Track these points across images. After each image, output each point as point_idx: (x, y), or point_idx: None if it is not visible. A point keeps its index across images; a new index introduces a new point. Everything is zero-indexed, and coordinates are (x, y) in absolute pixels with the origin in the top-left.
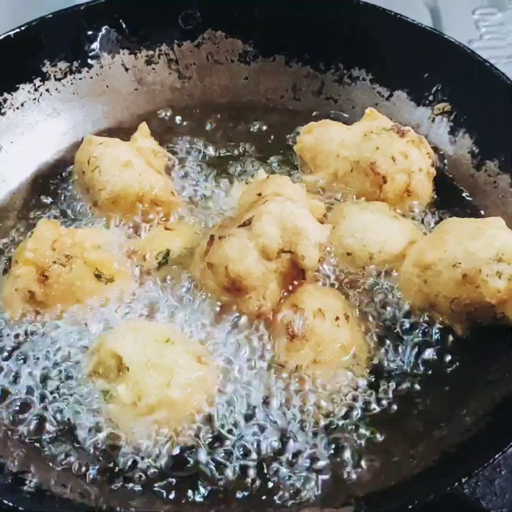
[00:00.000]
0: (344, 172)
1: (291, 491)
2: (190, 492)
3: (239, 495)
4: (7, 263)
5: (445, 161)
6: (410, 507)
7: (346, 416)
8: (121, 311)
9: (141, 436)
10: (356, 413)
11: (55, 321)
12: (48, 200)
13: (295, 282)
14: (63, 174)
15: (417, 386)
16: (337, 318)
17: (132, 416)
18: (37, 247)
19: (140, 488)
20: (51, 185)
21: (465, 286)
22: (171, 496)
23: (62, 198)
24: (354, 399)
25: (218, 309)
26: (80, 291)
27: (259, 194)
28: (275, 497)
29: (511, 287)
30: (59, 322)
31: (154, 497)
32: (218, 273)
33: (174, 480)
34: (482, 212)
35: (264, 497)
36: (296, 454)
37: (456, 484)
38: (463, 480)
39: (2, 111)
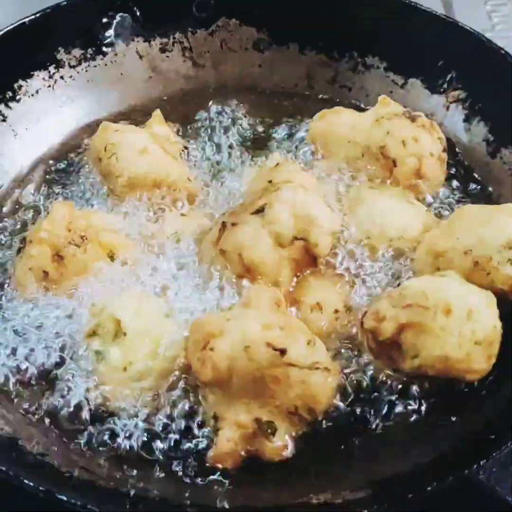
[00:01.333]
0: (355, 157)
1: None
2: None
3: None
4: (22, 244)
5: (460, 148)
6: (428, 488)
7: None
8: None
9: (126, 399)
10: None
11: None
12: (63, 186)
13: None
14: (78, 160)
15: None
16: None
17: (120, 380)
18: (52, 227)
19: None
20: (66, 171)
21: (476, 273)
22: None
23: (77, 184)
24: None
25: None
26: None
27: (270, 181)
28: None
29: None
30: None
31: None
32: (231, 260)
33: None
34: (497, 200)
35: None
36: None
37: (474, 466)
38: (482, 462)
39: (17, 98)
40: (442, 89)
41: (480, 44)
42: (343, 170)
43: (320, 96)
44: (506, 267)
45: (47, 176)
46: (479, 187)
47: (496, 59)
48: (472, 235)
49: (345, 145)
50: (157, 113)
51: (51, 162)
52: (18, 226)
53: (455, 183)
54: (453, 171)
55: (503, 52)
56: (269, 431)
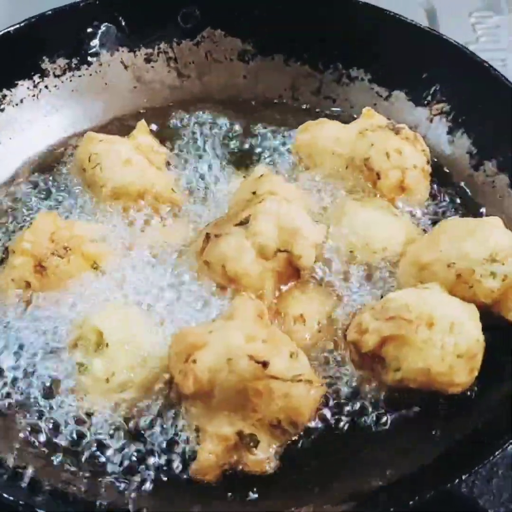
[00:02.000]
0: (339, 168)
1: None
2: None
3: None
4: (4, 254)
5: (443, 161)
6: (411, 502)
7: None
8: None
9: (109, 410)
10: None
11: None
12: (46, 195)
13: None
14: (62, 170)
15: None
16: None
17: (102, 391)
18: (35, 238)
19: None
20: (50, 181)
21: (459, 286)
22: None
23: (61, 194)
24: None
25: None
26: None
27: (254, 193)
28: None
29: (505, 286)
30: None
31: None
32: (215, 271)
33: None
34: (481, 212)
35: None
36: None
37: (456, 480)
38: (463, 477)
39: (1, 107)
40: (426, 102)
41: (464, 57)
42: (327, 182)
43: (305, 106)
44: (489, 280)
45: (31, 186)
46: (462, 199)
47: (480, 72)
48: (455, 248)
49: (329, 157)
50: (142, 123)
51: (34, 171)
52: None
53: (438, 195)
54: (436, 183)
55: (487, 65)
56: (251, 443)
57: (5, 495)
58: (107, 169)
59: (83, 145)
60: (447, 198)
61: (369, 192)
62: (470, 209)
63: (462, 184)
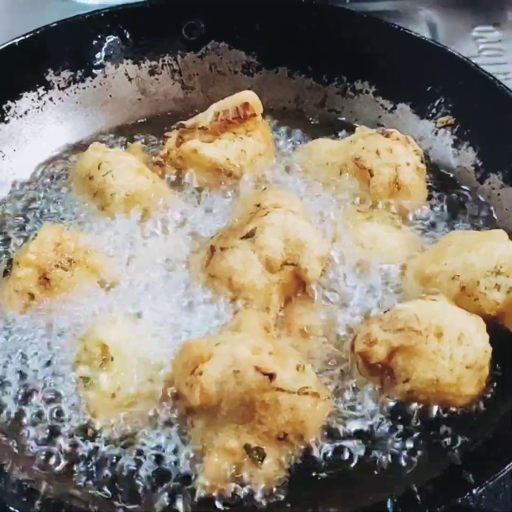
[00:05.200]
0: (335, 176)
1: None
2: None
3: None
4: (8, 265)
5: (449, 173)
6: None
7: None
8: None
9: (116, 426)
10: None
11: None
12: (50, 206)
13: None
14: (66, 181)
15: None
16: None
17: (110, 406)
18: (40, 250)
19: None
20: (54, 192)
21: (464, 298)
22: None
23: (65, 204)
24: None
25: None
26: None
27: (258, 205)
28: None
29: (509, 299)
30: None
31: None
32: (221, 284)
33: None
34: (486, 225)
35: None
36: None
37: (467, 495)
38: (474, 491)
39: (6, 119)
40: (430, 114)
41: (468, 70)
42: (327, 194)
43: (310, 119)
44: (493, 292)
45: (35, 196)
46: (467, 212)
47: (485, 85)
48: (460, 260)
49: (324, 168)
50: (136, 146)
51: (38, 182)
52: (3, 246)
53: (443, 208)
54: (441, 195)
55: (492, 78)
56: (258, 457)
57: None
58: (120, 176)
59: (90, 153)
60: (452, 211)
61: (367, 197)
62: (475, 221)
63: (468, 196)
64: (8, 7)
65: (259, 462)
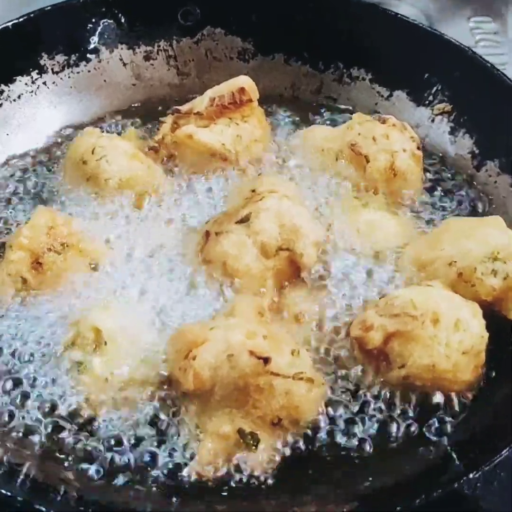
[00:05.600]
0: (331, 162)
1: None
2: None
3: None
4: (1, 249)
5: (445, 161)
6: (417, 502)
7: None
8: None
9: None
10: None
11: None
12: (43, 191)
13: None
14: (59, 166)
15: None
16: None
17: (103, 390)
18: (33, 234)
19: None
20: (47, 177)
21: (461, 284)
22: None
23: (58, 189)
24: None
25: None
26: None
27: (253, 191)
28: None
29: (506, 285)
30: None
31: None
32: (215, 269)
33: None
34: (483, 212)
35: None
36: None
37: (462, 479)
38: (471, 475)
39: None
40: (427, 102)
41: (465, 57)
42: (323, 180)
43: (306, 106)
44: (490, 278)
45: (28, 181)
46: (464, 199)
47: (482, 72)
48: (457, 246)
49: (320, 154)
50: (131, 131)
51: (32, 167)
52: None
53: (440, 195)
54: (438, 183)
55: (489, 64)
56: (252, 442)
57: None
58: (114, 162)
59: (83, 138)
60: (449, 198)
61: (363, 183)
62: (472, 208)
63: (464, 183)
64: None
65: (253, 447)
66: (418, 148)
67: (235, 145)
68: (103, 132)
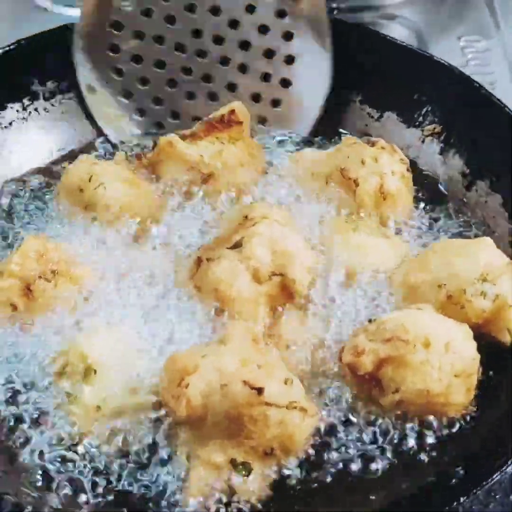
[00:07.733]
0: (321, 186)
1: None
2: None
3: None
4: None
5: (436, 181)
6: None
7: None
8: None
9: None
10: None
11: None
12: (34, 217)
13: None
14: (51, 192)
15: None
16: None
17: (94, 419)
18: (23, 261)
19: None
20: (39, 202)
21: (450, 307)
22: None
23: (49, 216)
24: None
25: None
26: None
27: (245, 217)
28: None
29: (496, 307)
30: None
31: None
32: (207, 295)
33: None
34: (473, 233)
35: None
36: None
37: (454, 503)
38: (461, 500)
39: None
40: (417, 123)
41: (455, 78)
42: (314, 204)
43: None
44: (480, 300)
45: (19, 207)
46: (455, 220)
47: (471, 92)
48: (446, 268)
49: (310, 179)
50: (121, 154)
51: (23, 193)
52: None
53: (430, 216)
54: (428, 204)
55: (478, 85)
56: (244, 472)
57: None
58: (112, 189)
59: (79, 166)
60: (439, 219)
61: (357, 210)
62: (463, 229)
63: (455, 204)
64: None
65: (246, 477)
66: (407, 169)
67: (214, 160)
68: (96, 157)
